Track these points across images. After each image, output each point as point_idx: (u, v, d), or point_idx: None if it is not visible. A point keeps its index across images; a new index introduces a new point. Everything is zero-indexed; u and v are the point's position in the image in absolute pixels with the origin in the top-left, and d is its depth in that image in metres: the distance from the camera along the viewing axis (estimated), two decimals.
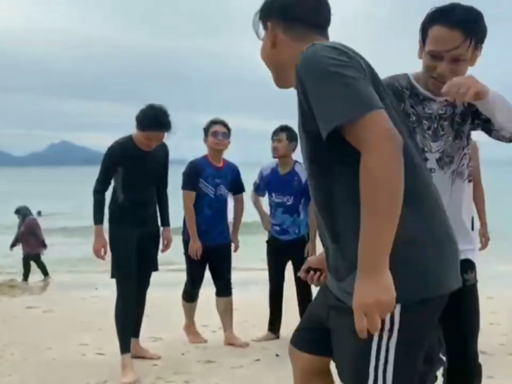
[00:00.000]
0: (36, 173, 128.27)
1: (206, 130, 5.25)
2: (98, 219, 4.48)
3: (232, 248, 5.36)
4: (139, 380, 4.35)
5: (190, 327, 5.39)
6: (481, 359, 4.75)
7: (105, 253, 4.51)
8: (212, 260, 5.19)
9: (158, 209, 4.84)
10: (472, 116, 2.46)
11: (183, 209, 5.14)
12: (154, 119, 4.43)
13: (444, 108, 2.46)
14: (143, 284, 4.75)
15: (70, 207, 32.14)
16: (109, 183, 4.60)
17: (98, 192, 4.53)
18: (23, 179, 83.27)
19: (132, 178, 4.57)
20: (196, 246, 5.04)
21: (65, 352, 5.14)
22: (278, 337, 5.45)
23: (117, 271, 4.53)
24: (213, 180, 5.14)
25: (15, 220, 12.01)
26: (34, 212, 29.41)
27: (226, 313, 5.28)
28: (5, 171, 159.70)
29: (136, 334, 4.89)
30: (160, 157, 4.75)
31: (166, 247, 4.85)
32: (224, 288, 5.27)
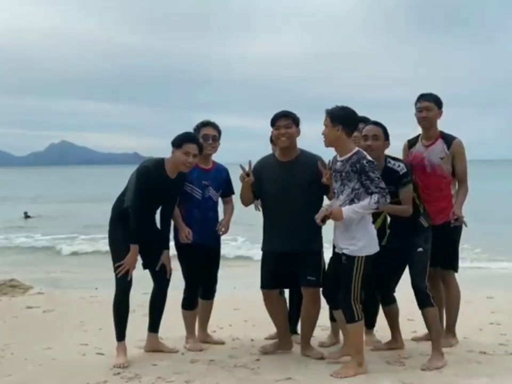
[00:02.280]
0: (36, 173, 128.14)
1: (196, 132, 5.17)
2: (135, 239, 4.69)
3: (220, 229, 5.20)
4: (131, 365, 4.51)
5: (189, 338, 5.23)
6: (481, 358, 4.78)
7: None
8: (202, 261, 5.13)
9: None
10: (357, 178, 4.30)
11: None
12: (188, 134, 4.88)
13: (341, 166, 4.40)
14: (160, 278, 4.99)
15: (63, 208, 31.90)
16: (145, 201, 4.71)
17: (138, 209, 4.67)
18: (22, 179, 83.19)
19: (147, 197, 4.72)
20: (185, 231, 4.98)
21: (65, 352, 5.14)
22: (296, 332, 5.34)
23: (115, 268, 4.78)
24: (199, 182, 5.08)
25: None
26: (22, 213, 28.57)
27: (206, 314, 5.33)
28: (5, 171, 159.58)
29: (155, 329, 5.07)
30: (179, 186, 4.91)
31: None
32: (208, 292, 5.29)
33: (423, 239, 4.68)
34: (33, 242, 17.97)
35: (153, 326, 5.10)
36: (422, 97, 5.02)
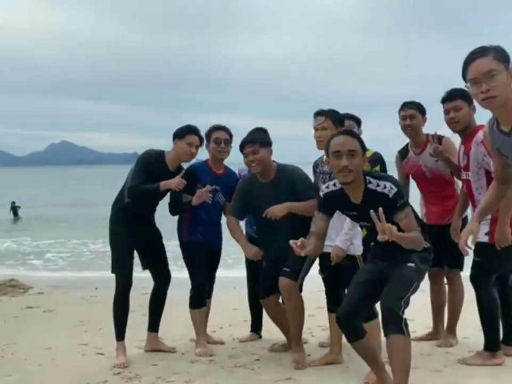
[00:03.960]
0: (36, 172, 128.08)
1: (208, 136, 5.13)
2: (154, 186, 4.68)
3: None
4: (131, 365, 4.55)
5: (199, 342, 5.09)
6: None
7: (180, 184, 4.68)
8: (205, 260, 5.13)
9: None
10: None
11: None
12: (191, 126, 4.95)
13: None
14: (160, 277, 5.09)
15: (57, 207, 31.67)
16: (143, 182, 4.74)
17: (135, 186, 4.72)
18: (22, 179, 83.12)
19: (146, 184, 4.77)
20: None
21: (65, 352, 5.14)
22: (260, 337, 5.46)
23: (116, 267, 4.87)
24: (211, 186, 5.03)
25: None
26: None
27: (206, 314, 5.30)
28: (5, 171, 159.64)
29: (155, 329, 5.12)
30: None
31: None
32: (208, 292, 5.28)
33: (419, 258, 3.68)
34: None
35: (153, 325, 5.12)
36: (406, 105, 5.00)
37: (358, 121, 5.11)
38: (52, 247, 16.75)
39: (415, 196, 5.15)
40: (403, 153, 5.18)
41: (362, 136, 5.16)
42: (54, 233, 19.73)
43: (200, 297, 5.09)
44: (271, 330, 5.38)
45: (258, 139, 4.73)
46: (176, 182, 4.69)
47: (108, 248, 5.07)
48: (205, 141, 5.07)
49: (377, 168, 5.01)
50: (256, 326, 5.52)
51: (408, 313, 5.24)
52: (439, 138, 4.85)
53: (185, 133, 4.90)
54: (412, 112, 4.94)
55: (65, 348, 5.30)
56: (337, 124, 4.44)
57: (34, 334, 5.89)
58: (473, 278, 4.49)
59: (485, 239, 4.34)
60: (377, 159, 4.98)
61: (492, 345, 4.47)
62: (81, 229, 20.65)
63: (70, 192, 46.04)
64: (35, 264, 13.81)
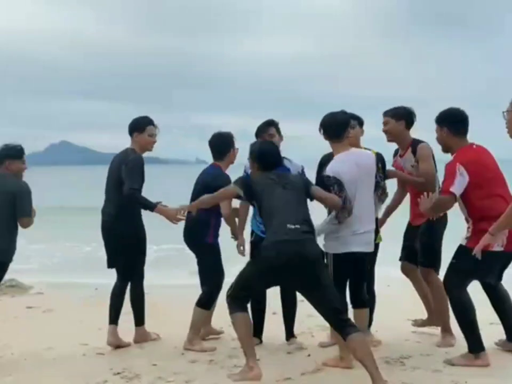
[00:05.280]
0: (36, 173, 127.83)
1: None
2: (151, 205, 4.92)
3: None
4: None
5: (195, 340, 5.13)
6: None
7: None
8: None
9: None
10: None
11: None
12: (145, 118, 5.28)
13: None
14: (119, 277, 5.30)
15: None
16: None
17: (139, 192, 4.93)
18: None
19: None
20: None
21: (65, 352, 5.14)
22: (261, 341, 5.31)
23: (140, 265, 5.21)
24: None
25: None
26: None
27: (212, 310, 5.32)
28: None
29: (136, 323, 5.32)
30: None
31: None
32: None
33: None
34: None
35: (140, 319, 5.29)
36: (383, 113, 5.21)
37: (360, 122, 5.19)
38: (47, 249, 16.68)
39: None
40: (395, 152, 5.41)
41: (364, 135, 5.33)
42: (49, 236, 19.61)
43: (214, 298, 5.18)
44: (271, 332, 5.38)
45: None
46: (175, 217, 4.90)
47: (102, 251, 5.24)
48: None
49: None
50: (258, 331, 5.41)
51: (409, 314, 5.24)
52: (417, 144, 5.07)
53: (145, 125, 5.13)
54: (384, 119, 5.19)
55: (65, 348, 5.29)
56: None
57: (34, 334, 5.89)
58: (445, 279, 4.60)
59: (463, 242, 4.49)
60: (378, 160, 5.06)
61: (472, 347, 4.50)
62: (74, 231, 20.56)
63: (68, 193, 45.90)
64: (32, 266, 13.77)
